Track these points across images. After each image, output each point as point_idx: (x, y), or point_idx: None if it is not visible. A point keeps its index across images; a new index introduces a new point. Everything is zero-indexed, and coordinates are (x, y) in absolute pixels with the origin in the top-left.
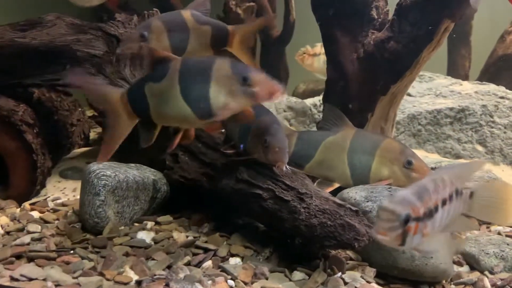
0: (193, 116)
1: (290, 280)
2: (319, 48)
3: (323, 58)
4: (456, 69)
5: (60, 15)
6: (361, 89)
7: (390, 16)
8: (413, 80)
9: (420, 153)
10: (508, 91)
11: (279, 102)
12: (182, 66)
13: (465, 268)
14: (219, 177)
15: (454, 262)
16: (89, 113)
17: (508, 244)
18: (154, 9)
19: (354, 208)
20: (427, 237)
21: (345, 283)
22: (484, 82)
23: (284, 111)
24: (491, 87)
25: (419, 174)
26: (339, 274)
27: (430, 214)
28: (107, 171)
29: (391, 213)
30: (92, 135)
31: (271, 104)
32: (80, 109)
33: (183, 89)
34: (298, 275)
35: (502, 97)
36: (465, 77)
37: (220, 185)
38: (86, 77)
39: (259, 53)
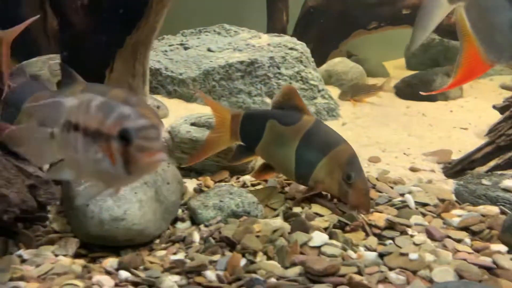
0: (293, 175)
1: None
2: None
3: None
4: (273, 23)
5: None
6: (92, 42)
7: None
8: (155, 30)
9: None
10: (297, 42)
11: None
12: (308, 130)
13: (187, 224)
14: None
15: (178, 219)
16: None
17: (231, 194)
18: None
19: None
20: None
21: (24, 261)
22: (280, 34)
23: None
24: (284, 39)
25: None
26: (20, 251)
27: None
28: None
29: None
30: None
31: None
32: None
33: (299, 150)
34: None
35: (291, 48)
36: (282, 31)
37: None
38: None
39: None
